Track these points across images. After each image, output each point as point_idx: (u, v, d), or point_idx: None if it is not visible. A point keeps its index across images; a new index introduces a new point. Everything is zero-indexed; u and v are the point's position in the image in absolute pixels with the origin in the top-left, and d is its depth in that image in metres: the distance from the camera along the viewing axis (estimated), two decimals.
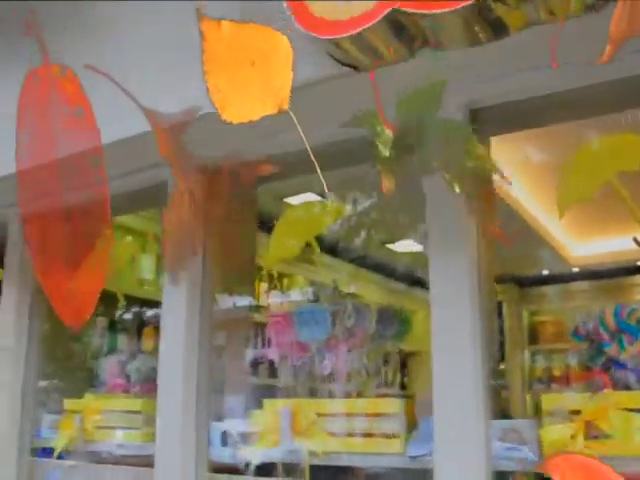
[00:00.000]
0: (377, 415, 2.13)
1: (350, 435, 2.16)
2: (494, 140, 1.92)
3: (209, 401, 2.38)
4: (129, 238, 3.83)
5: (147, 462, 2.43)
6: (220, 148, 2.12)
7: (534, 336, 6.12)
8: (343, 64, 1.62)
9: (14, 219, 3.02)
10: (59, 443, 2.72)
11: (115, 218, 2.96)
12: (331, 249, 3.65)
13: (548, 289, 5.92)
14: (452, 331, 1.81)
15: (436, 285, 1.85)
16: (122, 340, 4.00)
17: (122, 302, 4.15)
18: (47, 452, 2.86)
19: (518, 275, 5.85)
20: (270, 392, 2.46)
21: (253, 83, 1.29)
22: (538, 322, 6.15)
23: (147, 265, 4.24)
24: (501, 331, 5.71)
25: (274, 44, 1.30)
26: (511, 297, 6.01)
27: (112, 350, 3.91)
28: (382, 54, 1.54)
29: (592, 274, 5.21)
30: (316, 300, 2.66)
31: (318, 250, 3.47)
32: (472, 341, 1.78)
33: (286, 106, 1.31)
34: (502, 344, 5.61)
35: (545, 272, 5.72)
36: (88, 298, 2.21)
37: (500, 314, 5.80)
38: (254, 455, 2.24)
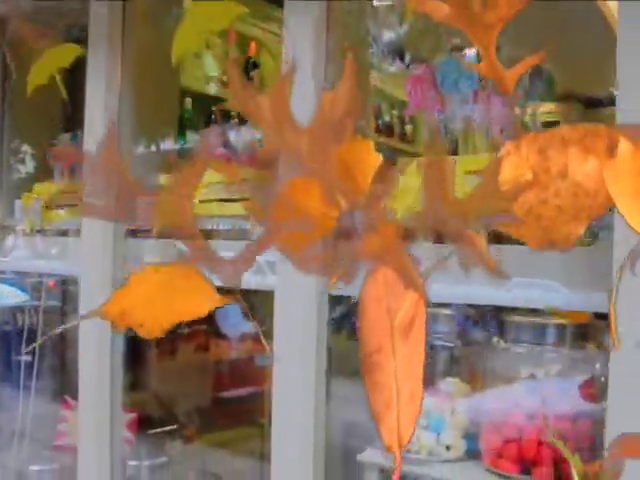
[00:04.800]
0: None
1: None
2: None
3: None
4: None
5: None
6: None
7: None
8: None
9: None
10: (158, 221, 2.55)
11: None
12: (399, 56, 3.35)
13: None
14: None
15: None
16: (190, 136, 3.79)
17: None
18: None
19: (583, 94, 5.52)
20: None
21: None
22: None
23: (211, 62, 3.99)
24: None
25: None
26: (574, 119, 5.70)
27: (182, 144, 3.70)
28: None
29: None
30: None
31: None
32: None
33: None
34: None
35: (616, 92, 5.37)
36: None
37: None
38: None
